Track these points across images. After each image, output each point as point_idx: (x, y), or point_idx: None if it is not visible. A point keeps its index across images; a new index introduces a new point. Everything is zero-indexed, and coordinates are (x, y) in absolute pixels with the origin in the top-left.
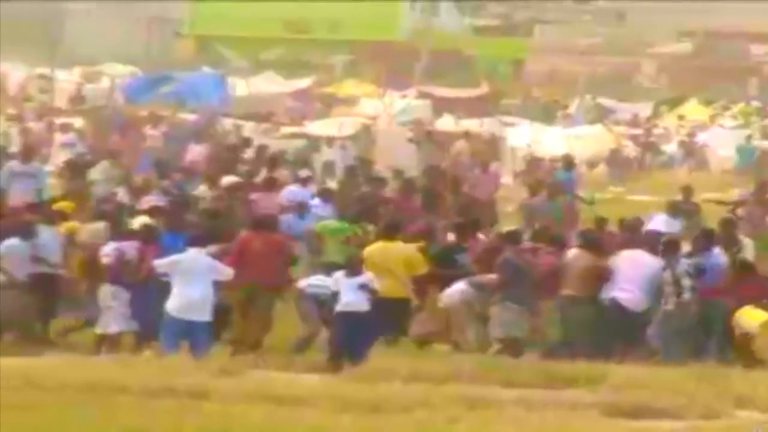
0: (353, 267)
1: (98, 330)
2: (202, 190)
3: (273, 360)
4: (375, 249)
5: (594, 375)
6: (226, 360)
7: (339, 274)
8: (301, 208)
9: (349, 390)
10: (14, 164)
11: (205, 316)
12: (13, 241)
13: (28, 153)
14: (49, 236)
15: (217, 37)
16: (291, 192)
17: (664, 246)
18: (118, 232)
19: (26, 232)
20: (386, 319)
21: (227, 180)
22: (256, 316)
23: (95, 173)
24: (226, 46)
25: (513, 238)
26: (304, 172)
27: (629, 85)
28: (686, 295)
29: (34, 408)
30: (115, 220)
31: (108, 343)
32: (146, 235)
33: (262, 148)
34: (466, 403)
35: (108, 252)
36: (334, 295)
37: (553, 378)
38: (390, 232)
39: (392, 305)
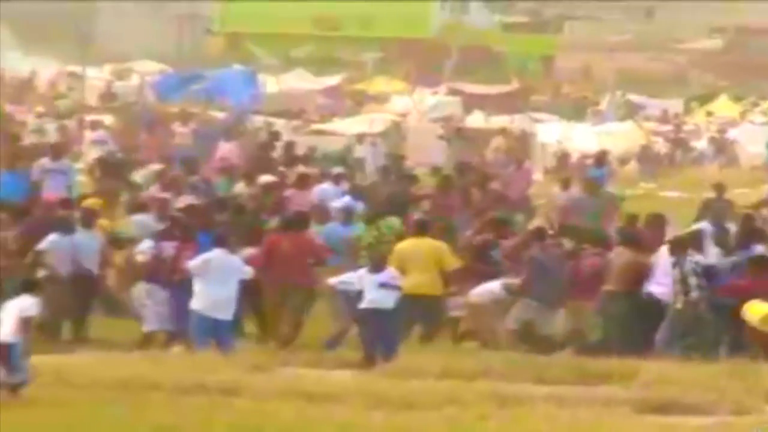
0: (376, 263)
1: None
2: (239, 187)
3: (304, 357)
4: (406, 245)
5: (625, 371)
6: (257, 356)
7: (362, 271)
8: (346, 216)
9: (381, 386)
10: (45, 161)
11: (230, 315)
12: (54, 237)
13: (59, 150)
14: (85, 237)
15: (248, 34)
16: (323, 190)
17: (671, 244)
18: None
19: (66, 228)
20: (418, 315)
21: (264, 178)
22: (287, 315)
23: (138, 176)
24: (257, 43)
25: (539, 235)
26: (336, 170)
27: (659, 82)
28: (693, 294)
29: (65, 405)
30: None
31: (144, 340)
32: (184, 234)
33: (290, 145)
34: (497, 400)
35: (144, 249)
36: (359, 293)
37: (584, 374)
38: (420, 229)
39: (423, 302)
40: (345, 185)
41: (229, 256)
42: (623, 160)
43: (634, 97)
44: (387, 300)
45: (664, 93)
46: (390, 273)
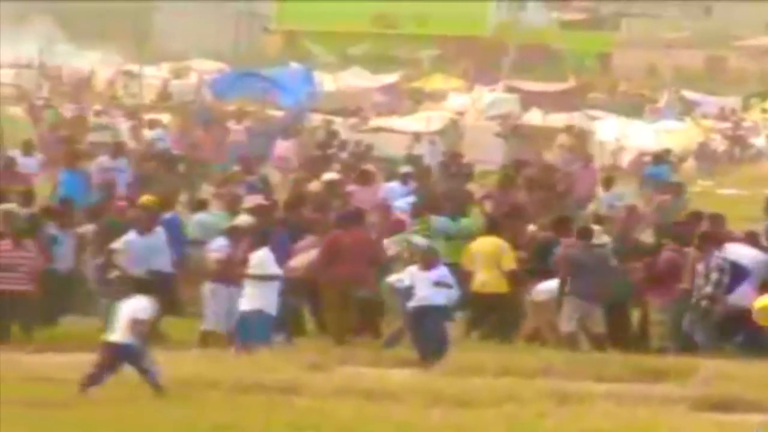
0: (427, 261)
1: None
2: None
3: (362, 355)
4: (474, 244)
5: (683, 369)
6: (316, 355)
7: (413, 268)
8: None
9: (439, 384)
10: (104, 160)
11: (273, 312)
12: (131, 236)
13: (118, 149)
14: (153, 236)
15: (305, 32)
16: (390, 188)
17: (699, 240)
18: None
19: (143, 228)
20: (485, 313)
21: (328, 176)
22: (349, 312)
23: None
24: (314, 41)
25: (584, 234)
26: (405, 168)
27: (717, 79)
28: (708, 289)
29: (125, 404)
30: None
31: (201, 339)
32: (257, 236)
33: (348, 143)
34: (556, 397)
35: (218, 248)
36: (408, 289)
37: (642, 372)
38: (488, 227)
39: (489, 300)
40: (412, 184)
41: (271, 256)
42: (681, 158)
43: (691, 95)
44: (438, 298)
45: (721, 90)
46: (442, 271)
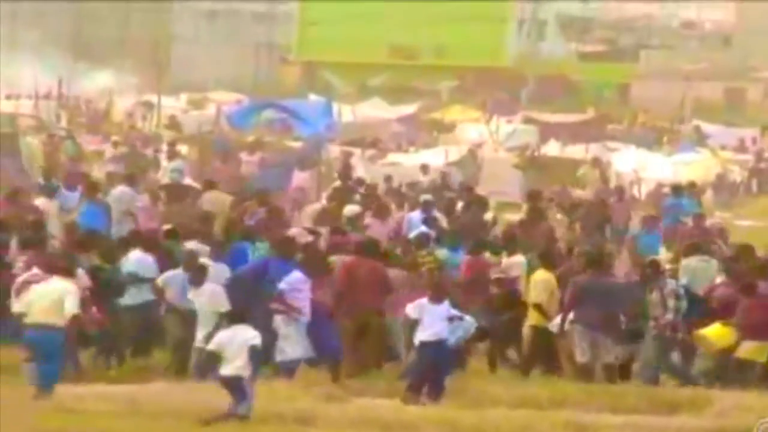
0: (438, 293)
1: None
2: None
3: (378, 386)
4: (537, 277)
5: (699, 400)
6: (332, 386)
7: (423, 301)
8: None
9: (454, 416)
10: (121, 189)
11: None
12: (175, 272)
13: (134, 179)
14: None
15: (324, 63)
16: (410, 217)
17: (648, 268)
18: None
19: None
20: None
21: (350, 209)
22: (369, 342)
23: (205, 203)
24: (332, 71)
25: (594, 262)
26: (425, 197)
27: (736, 110)
28: (669, 316)
29: None
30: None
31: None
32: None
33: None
34: (572, 429)
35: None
36: (414, 322)
37: (658, 403)
38: (545, 260)
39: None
40: (434, 212)
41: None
42: (699, 189)
43: (710, 126)
44: (453, 333)
45: (740, 121)
46: (448, 306)
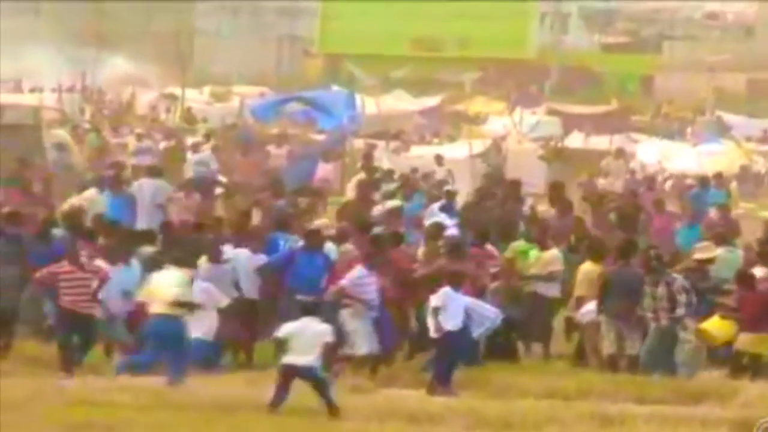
0: (456, 281)
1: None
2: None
3: (405, 378)
4: (586, 270)
5: (724, 391)
6: (359, 378)
7: (447, 289)
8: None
9: (481, 407)
10: (144, 182)
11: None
12: (209, 266)
13: (157, 171)
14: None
15: (347, 55)
16: (433, 209)
17: (654, 260)
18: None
19: (214, 255)
20: None
21: (391, 204)
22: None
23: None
24: (356, 64)
25: (622, 252)
26: (448, 187)
27: (759, 101)
28: (680, 311)
29: (166, 428)
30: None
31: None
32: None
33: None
34: (599, 420)
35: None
36: (435, 310)
37: (684, 394)
38: (596, 254)
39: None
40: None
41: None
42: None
43: (733, 117)
44: (481, 325)
45: (763, 112)
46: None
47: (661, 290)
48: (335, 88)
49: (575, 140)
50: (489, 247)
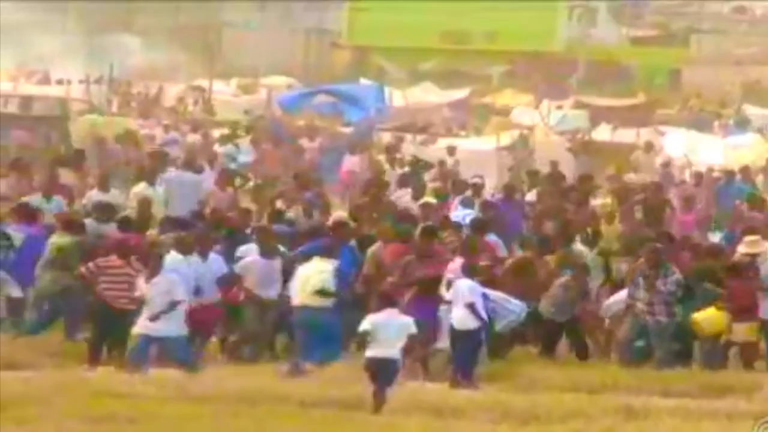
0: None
1: None
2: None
3: (429, 370)
4: None
5: (750, 384)
6: None
7: (470, 282)
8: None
9: (506, 400)
10: (172, 173)
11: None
12: (252, 259)
13: (198, 167)
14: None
15: (375, 47)
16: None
17: (653, 255)
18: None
19: (268, 249)
20: None
21: (425, 200)
22: None
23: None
24: (384, 56)
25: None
26: (474, 179)
27: None
28: (675, 308)
29: (189, 419)
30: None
31: None
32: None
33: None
34: (623, 413)
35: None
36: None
37: (709, 387)
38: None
39: None
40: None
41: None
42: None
43: (761, 110)
44: (504, 318)
45: None
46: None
47: (660, 284)
48: (363, 80)
49: (603, 133)
50: (492, 237)
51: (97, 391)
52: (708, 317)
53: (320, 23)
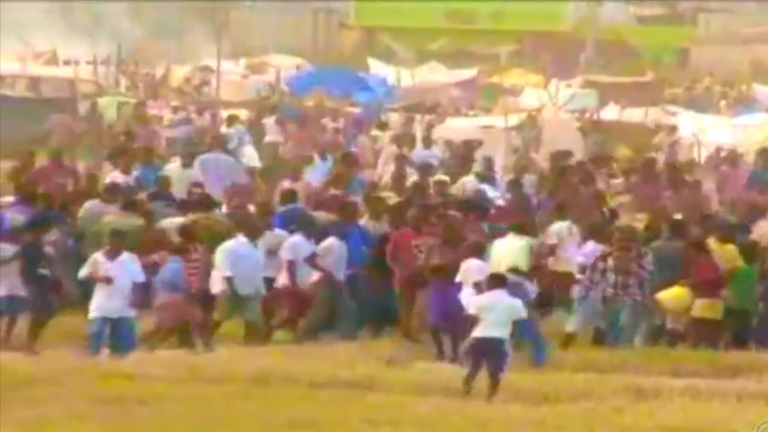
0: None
1: None
2: None
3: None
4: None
5: (760, 364)
6: (393, 351)
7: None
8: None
9: (517, 380)
10: (221, 157)
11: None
12: (331, 241)
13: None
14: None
15: (383, 27)
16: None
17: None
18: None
19: (342, 232)
20: None
21: (438, 177)
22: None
23: None
24: (391, 36)
25: (675, 227)
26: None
27: None
28: (646, 288)
29: (199, 400)
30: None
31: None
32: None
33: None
34: (633, 393)
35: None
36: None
37: (719, 367)
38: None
39: None
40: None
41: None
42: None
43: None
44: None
45: None
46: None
47: (634, 266)
48: (371, 60)
49: (611, 112)
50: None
51: (107, 372)
52: (670, 296)
53: (328, 3)
